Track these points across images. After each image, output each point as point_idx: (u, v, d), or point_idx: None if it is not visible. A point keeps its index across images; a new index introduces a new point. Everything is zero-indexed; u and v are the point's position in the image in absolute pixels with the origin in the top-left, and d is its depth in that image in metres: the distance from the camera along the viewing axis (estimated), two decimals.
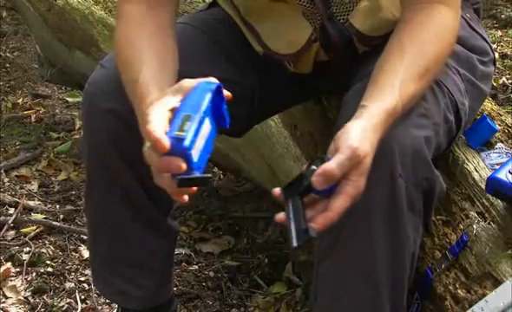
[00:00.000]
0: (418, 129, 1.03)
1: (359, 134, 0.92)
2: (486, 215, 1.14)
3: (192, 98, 0.93)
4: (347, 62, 1.24)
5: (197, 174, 0.91)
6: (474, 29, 1.27)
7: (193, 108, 0.91)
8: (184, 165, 0.89)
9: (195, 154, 0.91)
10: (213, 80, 0.97)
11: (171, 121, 0.92)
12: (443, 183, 1.08)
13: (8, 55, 3.23)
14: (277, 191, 0.93)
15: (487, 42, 1.30)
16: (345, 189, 0.91)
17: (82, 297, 1.67)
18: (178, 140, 0.89)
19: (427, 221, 1.11)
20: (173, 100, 0.95)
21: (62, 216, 1.99)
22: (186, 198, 0.95)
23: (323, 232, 1.07)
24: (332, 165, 0.89)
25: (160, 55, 1.09)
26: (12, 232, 1.90)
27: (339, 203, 0.91)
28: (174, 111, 0.94)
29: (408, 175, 1.00)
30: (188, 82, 0.97)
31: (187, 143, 0.89)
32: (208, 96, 0.93)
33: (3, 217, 1.94)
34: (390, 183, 0.99)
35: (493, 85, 1.82)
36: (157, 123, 0.91)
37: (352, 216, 1.00)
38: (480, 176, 1.19)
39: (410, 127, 1.02)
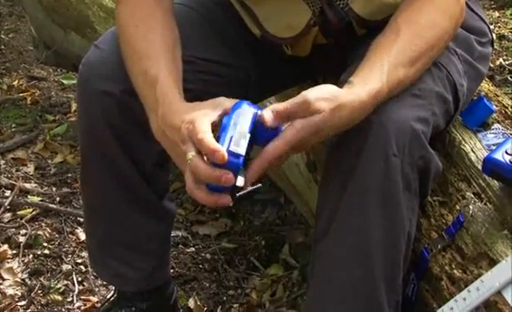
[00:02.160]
0: (413, 109, 1.03)
1: (320, 93, 0.96)
2: (482, 195, 1.14)
3: (239, 116, 0.96)
4: (345, 45, 1.24)
5: (249, 188, 0.95)
6: (472, 10, 1.27)
7: (242, 127, 0.94)
8: (233, 179, 0.92)
9: (241, 170, 0.94)
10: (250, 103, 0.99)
11: (219, 137, 0.95)
12: (439, 162, 1.09)
13: (3, 36, 3.20)
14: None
15: (485, 22, 1.30)
16: (284, 133, 0.95)
17: (79, 279, 1.68)
18: (235, 155, 0.92)
19: (423, 201, 1.11)
20: (214, 115, 0.98)
21: (58, 198, 1.99)
22: (226, 201, 0.96)
23: (318, 213, 1.08)
24: (282, 104, 0.95)
25: (172, 50, 1.11)
26: (8, 214, 1.90)
27: (274, 144, 0.94)
28: (216, 125, 0.97)
29: (403, 154, 1.00)
30: (228, 101, 1.00)
31: (241, 160, 0.92)
32: (251, 119, 0.96)
33: None
34: (384, 162, 1.00)
35: (490, 66, 1.81)
36: (210, 134, 0.94)
37: (347, 195, 1.01)
38: (476, 157, 1.18)
39: (405, 107, 1.03)
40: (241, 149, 0.93)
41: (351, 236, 1.02)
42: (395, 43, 1.02)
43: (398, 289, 1.05)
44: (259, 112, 0.96)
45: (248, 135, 0.94)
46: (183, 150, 0.98)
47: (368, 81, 0.99)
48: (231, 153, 0.92)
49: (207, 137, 0.93)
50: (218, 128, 0.97)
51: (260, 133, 0.96)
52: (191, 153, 0.95)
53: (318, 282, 1.06)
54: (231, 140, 0.93)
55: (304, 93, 0.96)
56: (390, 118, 1.00)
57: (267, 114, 0.95)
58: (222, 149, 0.92)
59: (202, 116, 0.97)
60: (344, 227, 1.02)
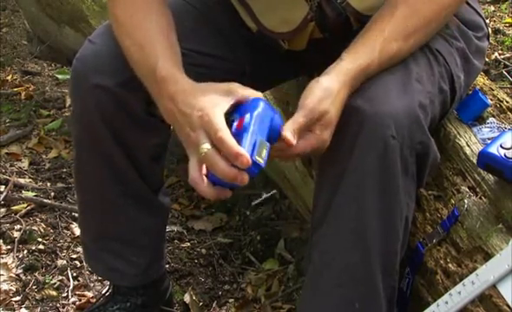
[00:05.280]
0: (412, 93, 1.04)
1: (319, 95, 0.99)
2: (477, 189, 1.14)
3: (260, 120, 0.96)
4: (341, 39, 1.23)
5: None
6: (469, 4, 1.26)
7: (262, 133, 0.96)
8: (248, 181, 0.94)
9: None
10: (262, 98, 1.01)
11: (239, 136, 0.95)
12: (436, 150, 1.09)
13: None
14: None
15: (481, 16, 1.29)
16: (309, 139, 0.98)
17: (74, 274, 1.67)
18: (256, 165, 0.94)
19: (417, 191, 1.11)
20: (226, 104, 0.98)
21: (53, 193, 1.98)
22: (227, 194, 0.98)
23: (315, 199, 1.07)
24: (295, 121, 0.98)
25: (168, 36, 1.10)
26: (3, 210, 1.90)
27: (301, 145, 0.98)
28: (228, 113, 0.98)
29: (402, 138, 1.00)
30: (241, 89, 1.00)
31: (259, 170, 0.95)
32: (269, 125, 0.98)
33: None
34: (381, 145, 0.99)
35: (486, 60, 1.81)
36: (228, 132, 0.94)
37: (345, 178, 1.00)
38: (471, 151, 1.18)
39: (404, 91, 1.03)
40: (263, 161, 0.94)
41: (348, 221, 1.01)
42: (392, 18, 1.05)
43: (395, 275, 1.05)
44: (276, 115, 0.98)
45: (268, 145, 0.95)
46: (193, 137, 0.97)
47: (359, 57, 1.02)
48: (253, 162, 0.93)
49: (227, 137, 0.93)
50: (229, 117, 0.97)
51: (270, 136, 0.99)
52: (206, 146, 0.95)
53: (315, 268, 1.06)
54: (254, 147, 0.93)
55: (305, 103, 0.99)
56: (389, 101, 1.00)
57: (289, 135, 0.97)
58: (246, 154, 0.92)
59: (214, 107, 0.97)
60: (342, 212, 1.02)
